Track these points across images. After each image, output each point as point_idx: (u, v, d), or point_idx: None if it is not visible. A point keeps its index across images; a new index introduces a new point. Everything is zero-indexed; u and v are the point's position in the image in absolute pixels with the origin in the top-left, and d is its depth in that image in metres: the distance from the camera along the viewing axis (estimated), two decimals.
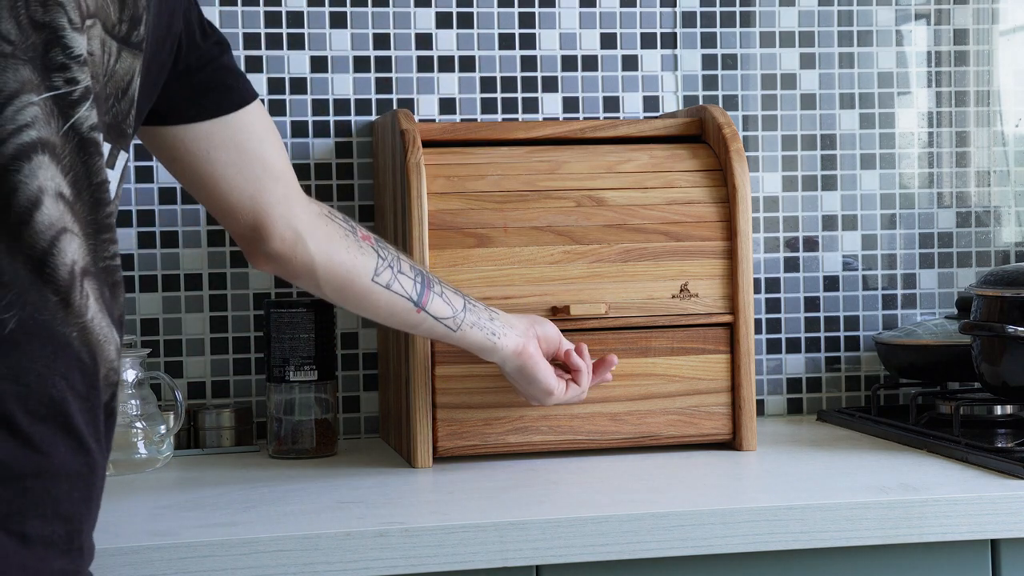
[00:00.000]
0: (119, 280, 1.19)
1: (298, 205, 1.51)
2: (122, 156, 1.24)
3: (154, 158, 2.01)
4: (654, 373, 1.82)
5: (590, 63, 2.12)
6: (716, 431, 1.83)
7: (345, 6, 2.06)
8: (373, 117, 2.06)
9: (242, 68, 2.03)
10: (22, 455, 1.07)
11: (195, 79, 1.41)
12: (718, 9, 2.15)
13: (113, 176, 1.22)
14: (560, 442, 1.80)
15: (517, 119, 2.10)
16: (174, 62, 1.37)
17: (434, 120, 2.08)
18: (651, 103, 2.14)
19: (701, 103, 2.14)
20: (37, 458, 1.08)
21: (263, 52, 2.03)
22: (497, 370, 1.73)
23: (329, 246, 1.53)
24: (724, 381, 1.84)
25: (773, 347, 2.16)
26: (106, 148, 1.20)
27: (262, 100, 2.03)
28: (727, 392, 1.84)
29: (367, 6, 2.06)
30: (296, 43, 2.05)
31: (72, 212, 1.13)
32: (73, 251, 1.12)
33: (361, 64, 2.07)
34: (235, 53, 2.03)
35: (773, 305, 2.17)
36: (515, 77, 2.10)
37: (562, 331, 1.81)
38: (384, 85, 2.07)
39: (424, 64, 2.08)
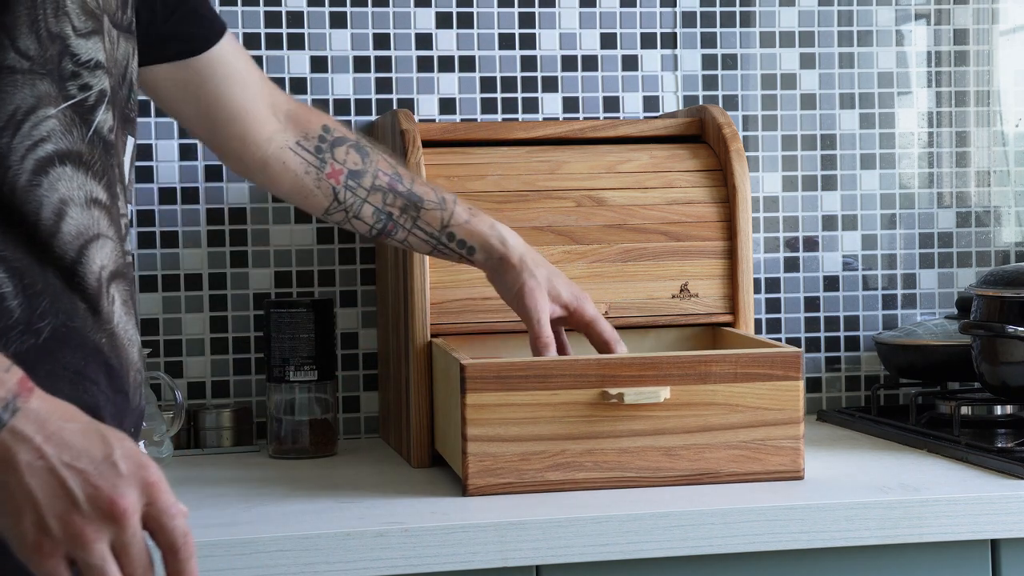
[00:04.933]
0: (134, 277, 1.21)
1: (263, 135, 1.54)
2: (130, 142, 1.24)
3: (154, 158, 2.01)
4: (714, 402, 1.61)
5: (590, 63, 2.12)
6: (784, 467, 1.62)
7: (345, 6, 2.06)
8: (373, 117, 2.06)
9: None
10: None
11: (160, 31, 1.40)
12: (718, 9, 2.15)
13: (125, 163, 1.22)
14: (607, 480, 1.59)
15: (517, 119, 2.10)
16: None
17: (434, 120, 2.08)
18: (651, 103, 2.14)
19: (701, 103, 2.14)
20: None
21: (263, 52, 2.03)
22: (537, 399, 1.58)
23: (283, 180, 1.57)
24: (794, 411, 1.62)
25: None
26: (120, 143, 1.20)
27: None
28: (797, 424, 1.63)
29: (367, 6, 2.06)
30: (296, 43, 2.05)
31: (109, 216, 1.14)
32: (103, 256, 1.13)
33: (361, 64, 2.07)
34: None
35: (773, 305, 2.17)
36: (515, 77, 2.10)
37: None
38: (384, 85, 2.07)
39: (424, 64, 2.08)
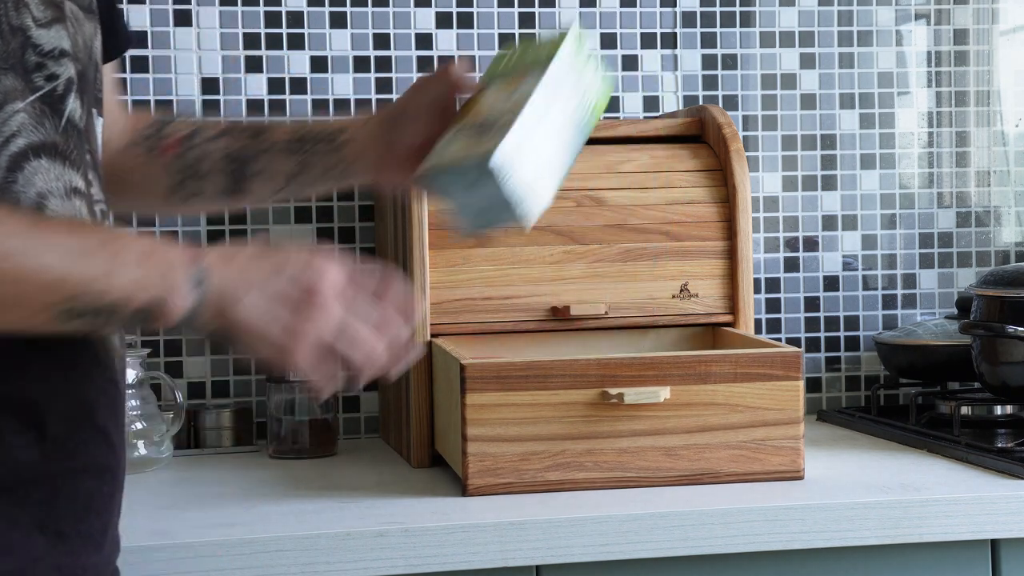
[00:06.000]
0: None
1: (120, 145, 1.41)
2: (99, 121, 1.22)
3: None
4: (714, 402, 1.60)
5: None
6: (784, 467, 1.62)
7: (345, 6, 2.06)
8: None
9: (242, 68, 2.03)
10: (54, 456, 1.07)
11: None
12: (718, 9, 2.15)
13: (96, 144, 1.20)
14: (606, 480, 1.59)
15: None
16: None
17: None
18: (651, 103, 2.14)
19: (701, 103, 2.14)
20: (68, 457, 1.08)
21: (263, 52, 2.03)
22: (537, 399, 1.58)
23: (130, 176, 1.39)
24: (794, 411, 1.62)
25: None
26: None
27: (261, 101, 2.04)
28: (797, 424, 1.62)
29: (367, 6, 2.06)
30: (296, 43, 2.05)
31: (88, 204, 1.13)
32: None
33: (361, 64, 2.07)
34: (235, 53, 2.03)
35: (773, 305, 2.17)
36: None
37: (561, 331, 1.80)
38: (384, 85, 2.07)
39: (424, 64, 2.08)
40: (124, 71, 2.00)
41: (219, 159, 1.38)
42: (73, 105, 1.13)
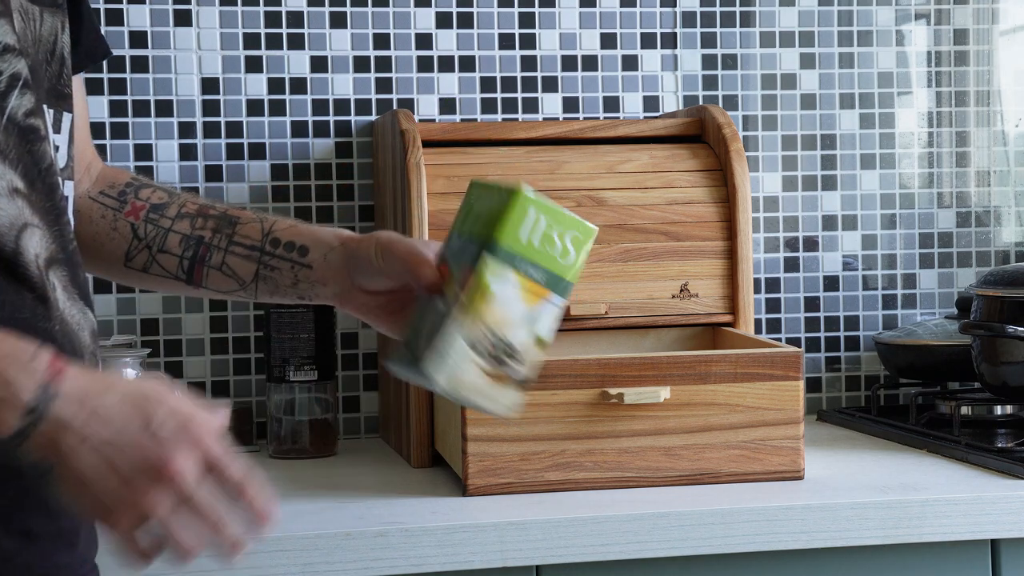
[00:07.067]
0: (80, 261, 1.18)
1: (83, 182, 1.35)
2: (66, 118, 1.20)
3: (155, 158, 2.01)
4: (714, 402, 1.61)
5: (590, 63, 2.12)
6: (784, 467, 1.62)
7: (345, 6, 2.06)
8: (373, 117, 2.06)
9: (242, 68, 2.03)
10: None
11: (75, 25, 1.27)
12: (718, 9, 2.15)
13: (62, 141, 1.18)
14: (607, 480, 1.59)
15: (517, 119, 2.10)
16: None
17: (434, 120, 2.08)
18: (651, 103, 2.14)
19: (701, 103, 2.14)
20: None
21: (263, 52, 2.03)
22: (537, 399, 1.57)
23: (78, 233, 1.28)
24: (794, 411, 1.62)
25: None
26: (49, 116, 1.16)
27: (262, 101, 2.04)
28: (797, 424, 1.63)
29: (367, 6, 2.06)
30: (296, 43, 2.05)
31: (31, 205, 1.11)
32: (35, 245, 1.10)
33: (361, 64, 2.07)
34: (235, 53, 2.03)
35: (773, 305, 2.17)
36: (515, 77, 2.10)
37: (561, 331, 1.80)
38: (384, 85, 2.07)
39: (424, 64, 2.08)
40: (124, 71, 2.00)
41: (175, 243, 1.31)
42: (16, 103, 1.10)
